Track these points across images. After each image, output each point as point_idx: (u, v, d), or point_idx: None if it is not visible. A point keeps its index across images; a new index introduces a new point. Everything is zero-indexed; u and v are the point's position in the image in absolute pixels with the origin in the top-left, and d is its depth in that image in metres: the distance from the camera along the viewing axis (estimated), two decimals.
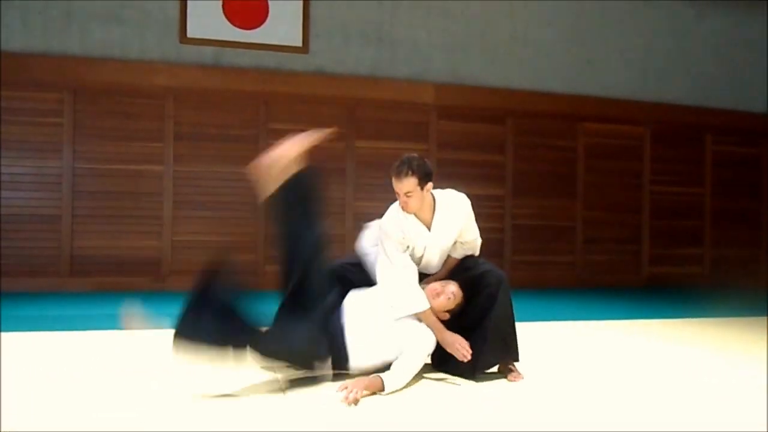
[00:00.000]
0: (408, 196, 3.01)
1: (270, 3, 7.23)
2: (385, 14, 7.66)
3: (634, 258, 8.49)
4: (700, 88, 8.82)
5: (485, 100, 7.82)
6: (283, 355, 2.76)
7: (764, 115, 9.05)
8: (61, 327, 4.33)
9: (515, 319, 3.15)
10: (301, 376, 2.90)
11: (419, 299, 3.01)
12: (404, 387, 2.82)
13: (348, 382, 2.69)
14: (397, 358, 2.87)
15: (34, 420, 2.34)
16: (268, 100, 7.19)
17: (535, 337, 4.10)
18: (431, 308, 2.99)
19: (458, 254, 3.29)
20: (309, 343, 2.74)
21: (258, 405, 2.55)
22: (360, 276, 3.25)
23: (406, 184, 2.99)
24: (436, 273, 3.27)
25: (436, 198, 3.16)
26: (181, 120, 6.95)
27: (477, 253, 3.32)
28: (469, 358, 2.90)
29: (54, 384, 2.85)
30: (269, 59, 7.26)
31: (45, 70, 6.59)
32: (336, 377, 2.87)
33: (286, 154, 2.89)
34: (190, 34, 7.02)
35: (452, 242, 3.23)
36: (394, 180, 3.05)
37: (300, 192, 2.91)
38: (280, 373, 2.96)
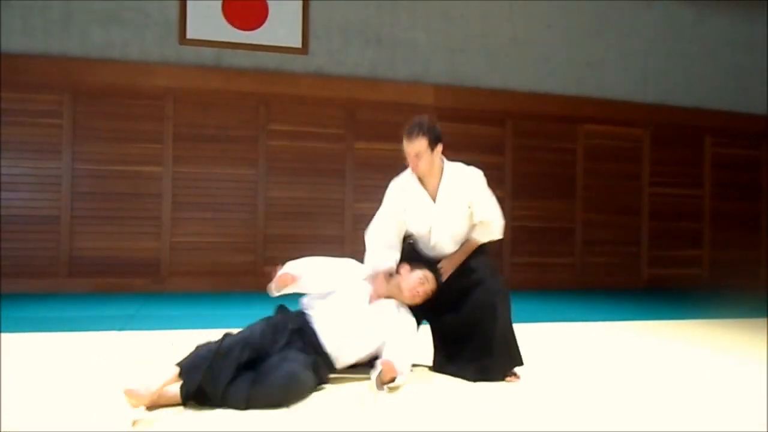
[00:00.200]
0: (418, 157, 3.05)
1: (269, 4, 7.24)
2: (384, 16, 7.66)
3: (634, 260, 8.49)
4: (699, 90, 8.83)
5: (485, 102, 7.83)
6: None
7: (764, 117, 9.06)
8: (60, 328, 4.32)
9: (512, 321, 3.13)
10: None
11: (376, 260, 3.07)
12: (404, 386, 2.81)
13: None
14: (380, 347, 2.88)
15: (34, 421, 2.34)
16: (268, 101, 7.19)
17: (535, 338, 4.10)
18: (401, 287, 2.99)
19: (478, 236, 3.18)
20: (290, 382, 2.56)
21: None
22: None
23: (417, 145, 3.05)
24: (452, 254, 3.18)
25: (445, 167, 3.12)
26: (181, 121, 6.95)
27: (496, 235, 3.21)
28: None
29: (53, 385, 2.84)
30: (269, 60, 7.27)
31: (45, 72, 6.59)
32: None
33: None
34: (189, 35, 7.02)
35: (462, 220, 3.13)
36: (405, 141, 3.10)
37: None
38: None
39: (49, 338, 3.96)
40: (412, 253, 3.24)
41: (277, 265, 2.96)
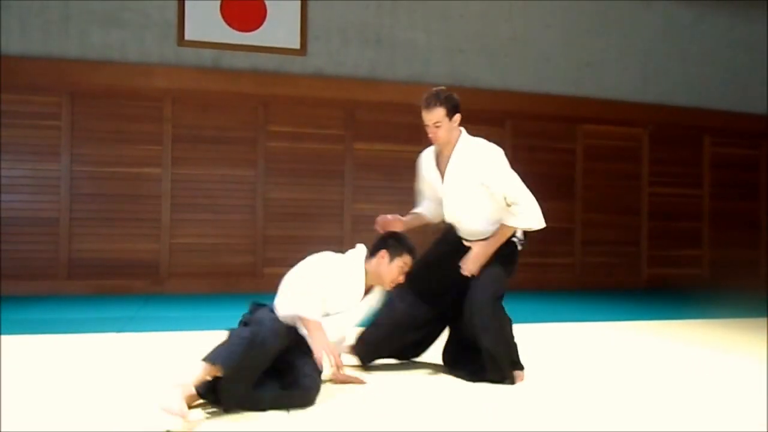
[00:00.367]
0: (437, 126, 3.04)
1: (268, 5, 7.23)
2: (383, 16, 7.66)
3: (633, 260, 8.49)
4: (698, 90, 8.83)
5: (484, 102, 7.82)
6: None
7: (763, 117, 9.06)
8: (60, 330, 4.32)
9: (506, 333, 3.09)
10: None
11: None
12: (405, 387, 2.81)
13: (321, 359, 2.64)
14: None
15: (34, 423, 2.33)
16: (267, 102, 7.19)
17: (535, 338, 4.10)
18: (382, 277, 2.94)
19: (507, 221, 3.02)
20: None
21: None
22: None
23: (435, 114, 3.03)
24: (481, 244, 3.04)
25: (459, 140, 3.09)
26: (180, 122, 6.94)
27: (524, 221, 3.03)
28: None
29: (53, 387, 2.84)
30: (268, 61, 7.26)
31: (43, 74, 6.58)
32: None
33: None
34: (188, 36, 7.02)
35: (476, 198, 3.03)
36: (423, 111, 3.07)
37: None
38: None
39: (49, 340, 3.96)
40: (449, 234, 3.24)
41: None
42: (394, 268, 2.93)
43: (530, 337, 3.89)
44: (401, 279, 2.97)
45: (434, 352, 3.40)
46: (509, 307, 3.14)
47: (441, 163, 3.13)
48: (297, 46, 7.33)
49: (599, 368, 3.44)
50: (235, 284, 6.92)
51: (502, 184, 2.99)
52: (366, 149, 7.45)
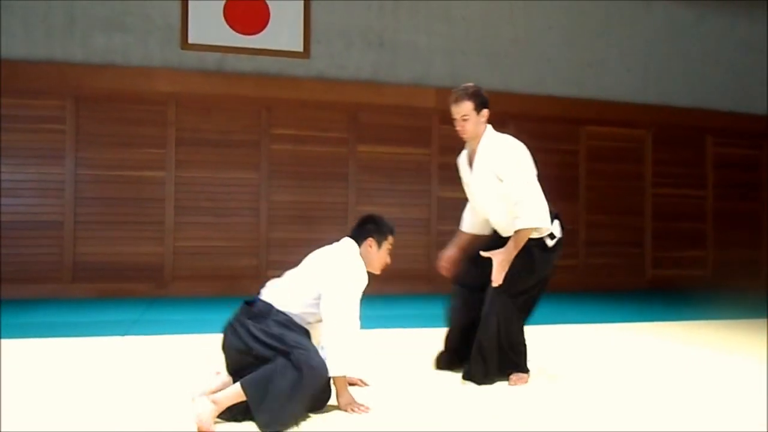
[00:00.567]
0: (464, 119, 3.10)
1: (271, 8, 7.26)
2: (386, 19, 7.68)
3: (637, 261, 8.48)
4: (700, 91, 8.83)
5: None
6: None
7: (765, 117, 9.05)
8: (64, 333, 4.33)
9: (511, 336, 3.09)
10: None
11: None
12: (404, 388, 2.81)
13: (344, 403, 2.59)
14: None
15: (38, 425, 2.35)
16: (270, 105, 7.21)
17: (538, 340, 4.09)
18: (373, 263, 2.85)
19: (514, 224, 3.03)
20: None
21: None
22: None
23: (463, 107, 3.10)
24: (500, 252, 3.02)
25: (485, 134, 3.17)
26: (183, 126, 6.96)
27: (525, 221, 2.98)
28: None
29: (57, 390, 2.85)
30: (270, 65, 7.28)
31: (47, 77, 6.61)
32: None
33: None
34: (191, 40, 7.04)
35: (495, 193, 3.08)
36: (452, 105, 3.14)
37: None
38: None
39: (53, 344, 3.97)
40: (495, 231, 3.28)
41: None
42: (383, 253, 2.89)
43: (533, 338, 3.89)
44: (389, 260, 2.93)
45: (430, 349, 3.40)
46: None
47: (471, 158, 3.22)
48: (300, 49, 7.35)
49: (602, 369, 3.44)
50: (238, 287, 6.92)
51: (510, 180, 3.04)
52: (369, 151, 7.46)
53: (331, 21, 7.48)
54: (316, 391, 2.44)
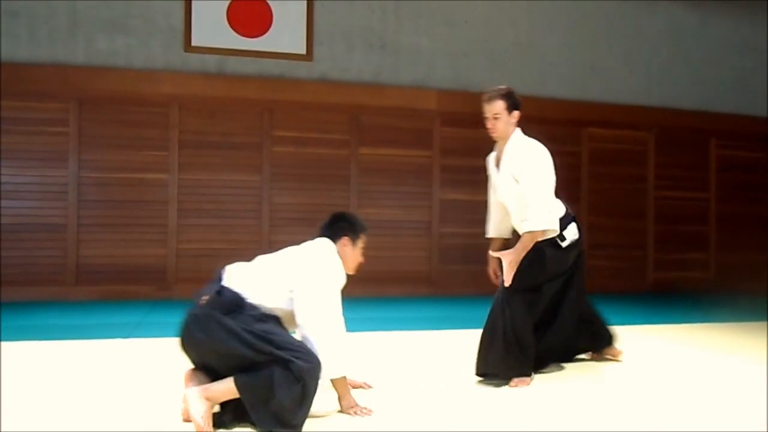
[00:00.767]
0: (496, 118, 3.21)
1: (274, 11, 7.27)
2: (388, 21, 7.69)
3: (639, 263, 8.47)
4: (704, 93, 8.82)
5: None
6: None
7: None
8: (67, 336, 4.34)
9: (513, 334, 3.11)
10: None
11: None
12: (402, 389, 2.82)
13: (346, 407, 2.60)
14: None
15: (40, 426, 2.35)
16: (272, 107, 7.22)
17: None
18: (348, 262, 2.78)
19: (522, 226, 3.15)
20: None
21: None
22: None
23: (495, 106, 3.23)
24: (509, 252, 3.11)
25: (514, 135, 3.28)
26: (186, 128, 6.98)
27: (531, 224, 3.09)
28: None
29: (60, 392, 2.86)
30: (273, 67, 7.30)
31: (50, 80, 6.63)
32: None
33: None
34: (194, 42, 7.06)
35: (513, 186, 3.22)
36: (484, 105, 3.26)
37: None
38: None
39: (56, 346, 3.98)
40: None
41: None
42: (357, 252, 2.85)
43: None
44: (362, 260, 2.89)
45: (431, 351, 3.40)
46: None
47: (498, 158, 3.33)
48: (302, 51, 7.36)
49: (603, 370, 3.44)
50: None
51: (524, 182, 3.16)
52: (371, 154, 7.47)
53: (333, 23, 7.49)
54: (317, 388, 2.41)
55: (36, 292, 6.47)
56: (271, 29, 7.27)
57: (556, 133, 8.10)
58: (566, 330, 3.35)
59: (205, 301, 2.52)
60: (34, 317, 5.39)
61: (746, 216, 8.90)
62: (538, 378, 3.15)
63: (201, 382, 2.44)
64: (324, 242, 2.78)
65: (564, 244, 3.24)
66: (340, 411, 2.58)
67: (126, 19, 6.91)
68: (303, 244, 2.79)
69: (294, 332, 2.60)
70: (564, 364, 3.56)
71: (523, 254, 3.08)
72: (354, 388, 2.84)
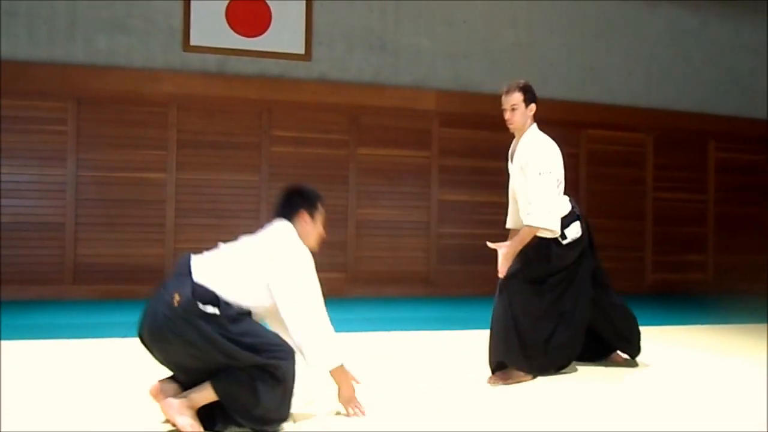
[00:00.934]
0: (513, 109, 3.24)
1: (273, 11, 7.27)
2: (387, 22, 7.69)
3: (637, 265, 8.47)
4: (702, 95, 8.83)
5: (487, 107, 7.78)
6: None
7: (767, 122, 9.05)
8: (65, 335, 4.34)
9: (507, 322, 3.14)
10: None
11: None
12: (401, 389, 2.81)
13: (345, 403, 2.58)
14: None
15: (39, 425, 2.35)
16: (271, 107, 7.22)
17: None
18: (309, 237, 2.72)
19: (522, 220, 3.22)
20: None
21: None
22: None
23: (513, 97, 3.26)
24: (509, 244, 3.17)
25: (530, 129, 3.30)
26: (185, 128, 6.97)
27: (529, 219, 3.12)
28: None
29: (59, 391, 2.85)
30: (272, 67, 7.30)
31: (50, 79, 6.62)
32: None
33: None
34: (193, 42, 7.06)
35: (521, 179, 3.25)
36: (503, 96, 3.32)
37: None
38: None
39: (54, 345, 3.97)
40: None
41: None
42: (318, 225, 2.79)
43: None
44: (324, 232, 2.82)
45: (429, 352, 3.40)
46: None
47: (513, 151, 3.38)
48: (301, 51, 7.36)
49: (603, 371, 3.44)
50: None
51: (529, 177, 3.17)
52: (370, 154, 7.47)
53: (332, 23, 7.49)
54: (295, 376, 2.40)
55: (34, 290, 6.46)
56: (270, 29, 7.27)
57: (555, 133, 8.04)
58: (578, 327, 3.32)
59: (178, 302, 2.38)
60: (31, 316, 5.39)
61: (745, 218, 8.91)
62: (539, 380, 3.16)
63: (173, 393, 2.39)
64: (282, 227, 2.64)
65: (565, 242, 3.28)
66: (336, 404, 2.57)
67: (125, 18, 6.91)
68: (262, 233, 2.66)
69: (268, 324, 2.54)
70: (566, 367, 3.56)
71: (520, 247, 3.14)
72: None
